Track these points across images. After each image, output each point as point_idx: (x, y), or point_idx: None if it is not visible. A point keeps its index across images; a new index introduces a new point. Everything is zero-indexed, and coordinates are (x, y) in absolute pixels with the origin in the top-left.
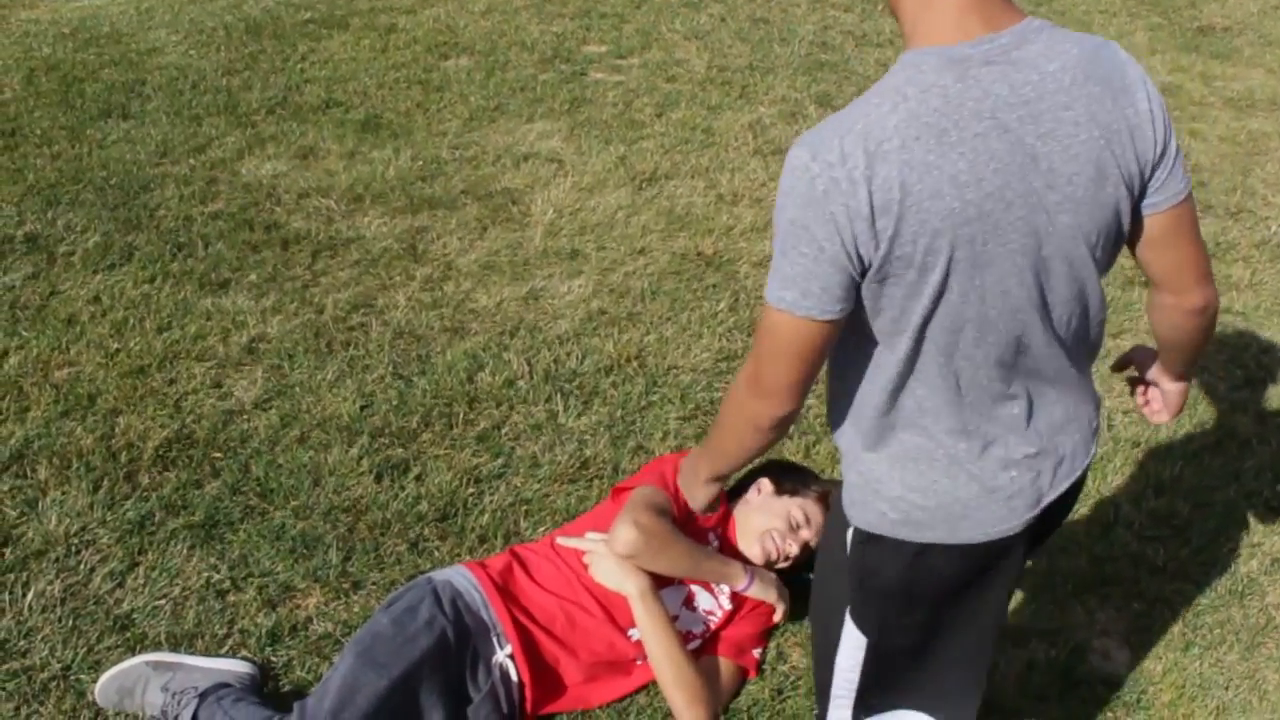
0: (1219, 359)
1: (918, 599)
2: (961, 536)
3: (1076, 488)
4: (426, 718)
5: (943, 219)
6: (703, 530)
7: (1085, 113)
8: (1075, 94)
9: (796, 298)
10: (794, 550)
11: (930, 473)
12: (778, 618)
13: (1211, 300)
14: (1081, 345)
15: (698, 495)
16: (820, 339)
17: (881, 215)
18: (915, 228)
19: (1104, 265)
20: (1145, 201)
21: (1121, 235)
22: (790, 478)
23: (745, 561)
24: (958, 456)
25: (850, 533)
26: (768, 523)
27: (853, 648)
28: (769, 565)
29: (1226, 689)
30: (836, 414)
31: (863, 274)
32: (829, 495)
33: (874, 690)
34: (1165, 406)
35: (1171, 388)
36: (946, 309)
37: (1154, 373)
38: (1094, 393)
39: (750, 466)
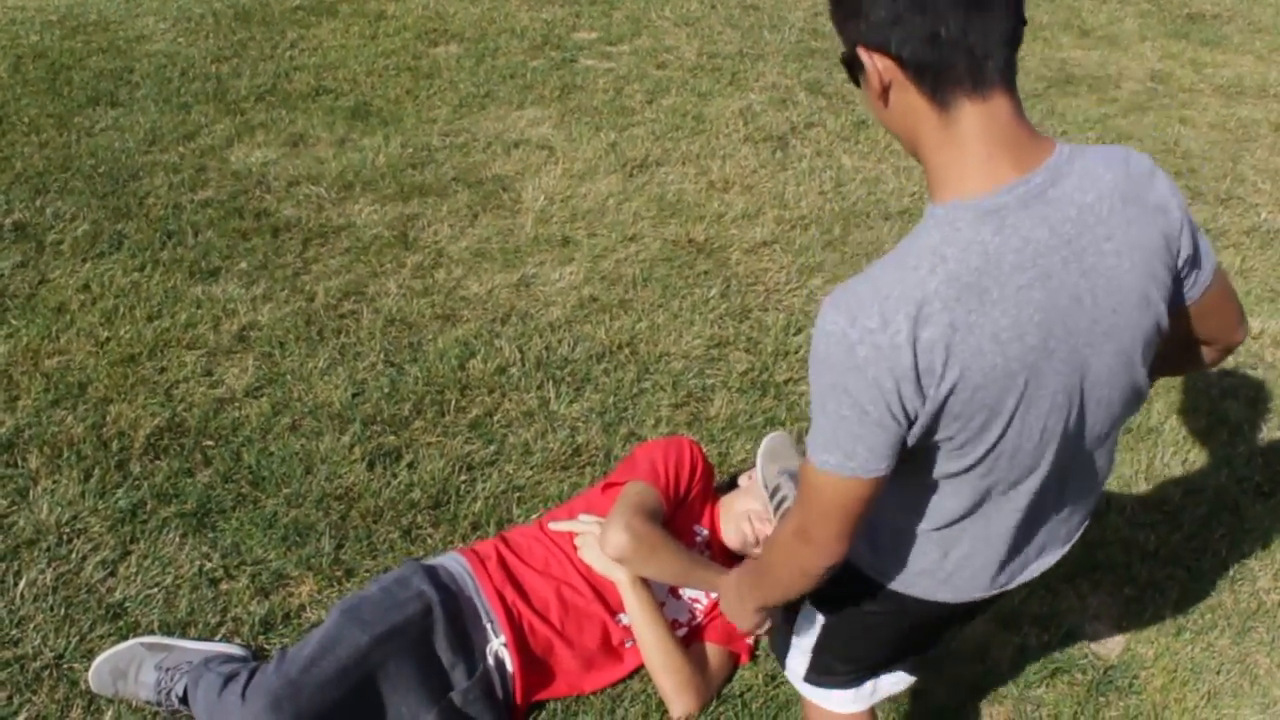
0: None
1: (880, 621)
2: (940, 596)
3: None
4: (405, 688)
5: (985, 375)
6: (691, 520)
7: (1125, 241)
8: (1114, 223)
9: (841, 460)
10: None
11: (921, 551)
12: (760, 632)
13: (1242, 339)
14: (1112, 441)
15: (744, 621)
16: (867, 494)
17: (926, 376)
18: (955, 383)
19: (1146, 374)
20: (1183, 296)
21: (1163, 335)
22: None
23: (731, 561)
24: (959, 543)
25: None
26: (747, 505)
27: (808, 619)
28: (745, 549)
29: (1218, 673)
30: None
31: (909, 430)
32: None
33: (823, 660)
34: None
35: None
36: (982, 452)
37: None
38: (1112, 465)
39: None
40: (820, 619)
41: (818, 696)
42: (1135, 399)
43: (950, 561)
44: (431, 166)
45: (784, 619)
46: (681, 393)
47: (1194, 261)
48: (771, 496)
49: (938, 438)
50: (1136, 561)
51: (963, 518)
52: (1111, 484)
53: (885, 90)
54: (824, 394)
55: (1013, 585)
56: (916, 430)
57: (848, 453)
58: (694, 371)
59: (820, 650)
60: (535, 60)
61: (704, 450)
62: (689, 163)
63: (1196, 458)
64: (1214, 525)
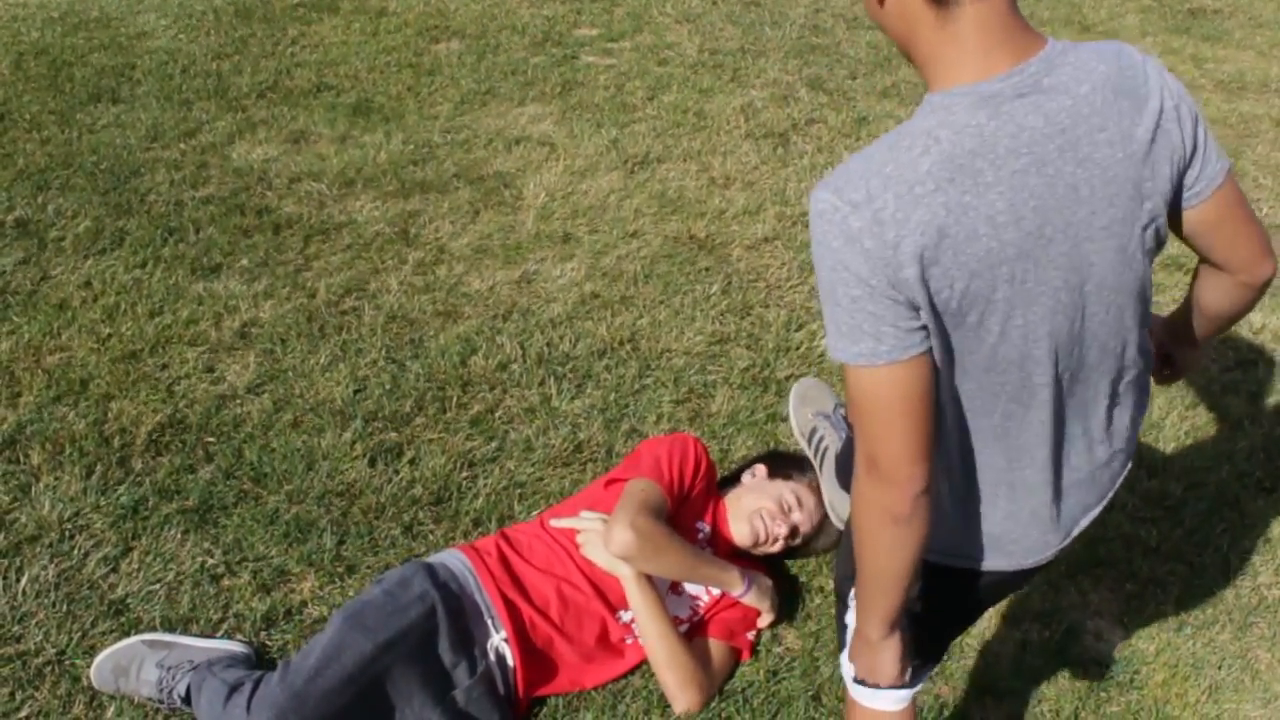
0: (1210, 340)
1: (937, 605)
2: (991, 565)
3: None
4: (409, 691)
5: (980, 260)
6: (693, 516)
7: (1118, 132)
8: (1107, 114)
9: (872, 346)
10: (782, 532)
11: (968, 510)
12: (764, 623)
13: (1274, 272)
14: (1135, 359)
15: (886, 662)
16: (917, 384)
17: (914, 261)
18: (951, 271)
19: (1149, 270)
20: (1185, 195)
21: (1163, 237)
22: (785, 464)
23: (741, 565)
24: (996, 497)
25: None
26: (758, 503)
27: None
28: (755, 547)
29: (1219, 668)
30: None
31: (935, 318)
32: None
33: None
34: (1178, 369)
35: (1191, 352)
36: (985, 351)
37: (1165, 335)
38: (1143, 405)
39: (745, 458)
40: None
41: (865, 698)
42: (1143, 307)
43: (998, 513)
44: (433, 163)
45: (837, 612)
46: (683, 389)
47: (1198, 159)
48: (809, 441)
49: (936, 336)
50: (1138, 557)
51: (989, 454)
52: None
53: None
54: (831, 281)
55: (1066, 542)
56: (931, 315)
57: (876, 336)
58: (695, 368)
59: None
60: (536, 57)
61: (706, 447)
62: (690, 159)
63: (1198, 453)
64: (1215, 521)
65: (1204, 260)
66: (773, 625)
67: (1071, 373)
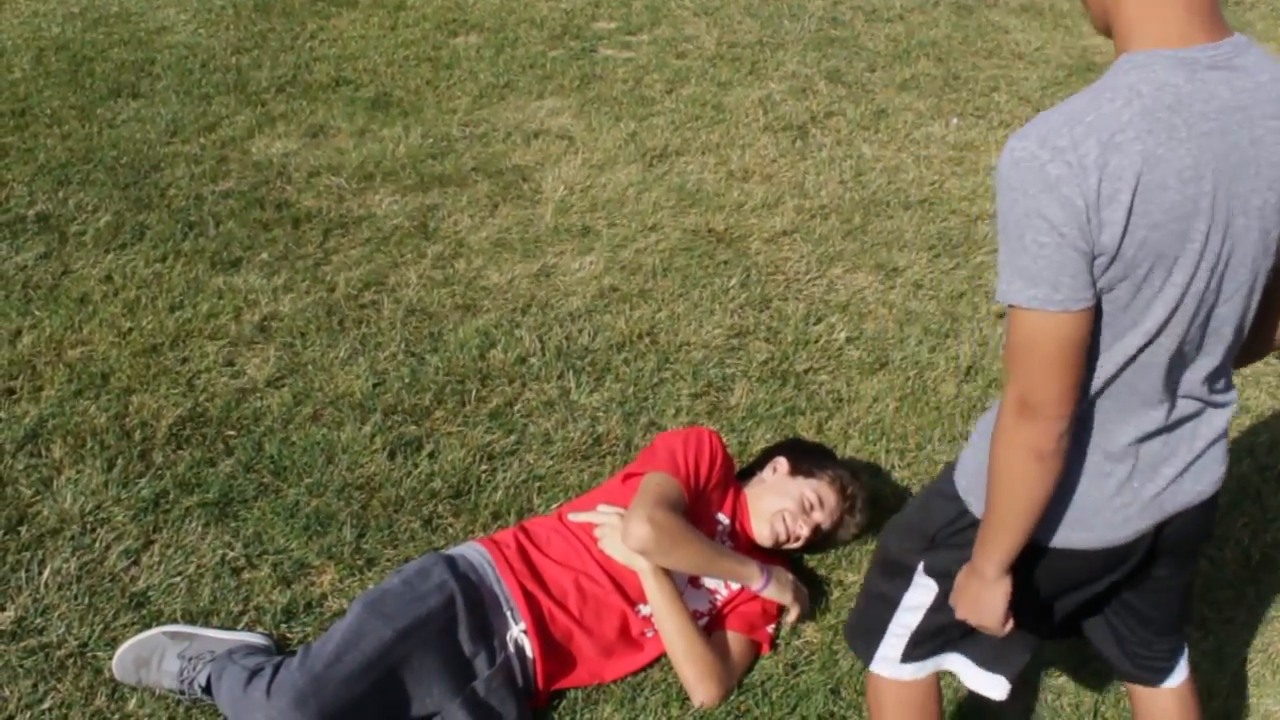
0: None
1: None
2: (1075, 543)
3: (1208, 505)
4: (428, 680)
5: (1165, 212)
6: (713, 509)
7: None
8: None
9: (1048, 292)
10: (804, 532)
11: (1072, 481)
12: (791, 618)
13: None
14: (1231, 354)
15: (993, 606)
16: (1080, 334)
17: (1109, 205)
18: (1139, 220)
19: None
20: None
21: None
22: (807, 459)
23: (760, 559)
24: (1109, 469)
25: (958, 512)
26: (780, 504)
27: (922, 590)
28: (777, 546)
29: (1241, 662)
30: None
31: (1109, 266)
32: (847, 484)
33: (928, 635)
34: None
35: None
36: (1140, 306)
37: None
38: (1230, 407)
39: (766, 446)
40: (934, 588)
41: (913, 673)
42: (1265, 289)
43: (1116, 482)
44: (451, 157)
45: (876, 601)
46: (701, 382)
47: None
48: None
49: (1109, 284)
50: None
51: (1122, 417)
52: None
53: None
54: (1019, 225)
55: (1164, 515)
56: (1099, 269)
57: (1054, 284)
58: (714, 361)
59: (924, 629)
60: (555, 50)
61: (723, 440)
62: (709, 152)
63: None
64: (1236, 514)
65: None
66: (799, 620)
67: (1194, 345)
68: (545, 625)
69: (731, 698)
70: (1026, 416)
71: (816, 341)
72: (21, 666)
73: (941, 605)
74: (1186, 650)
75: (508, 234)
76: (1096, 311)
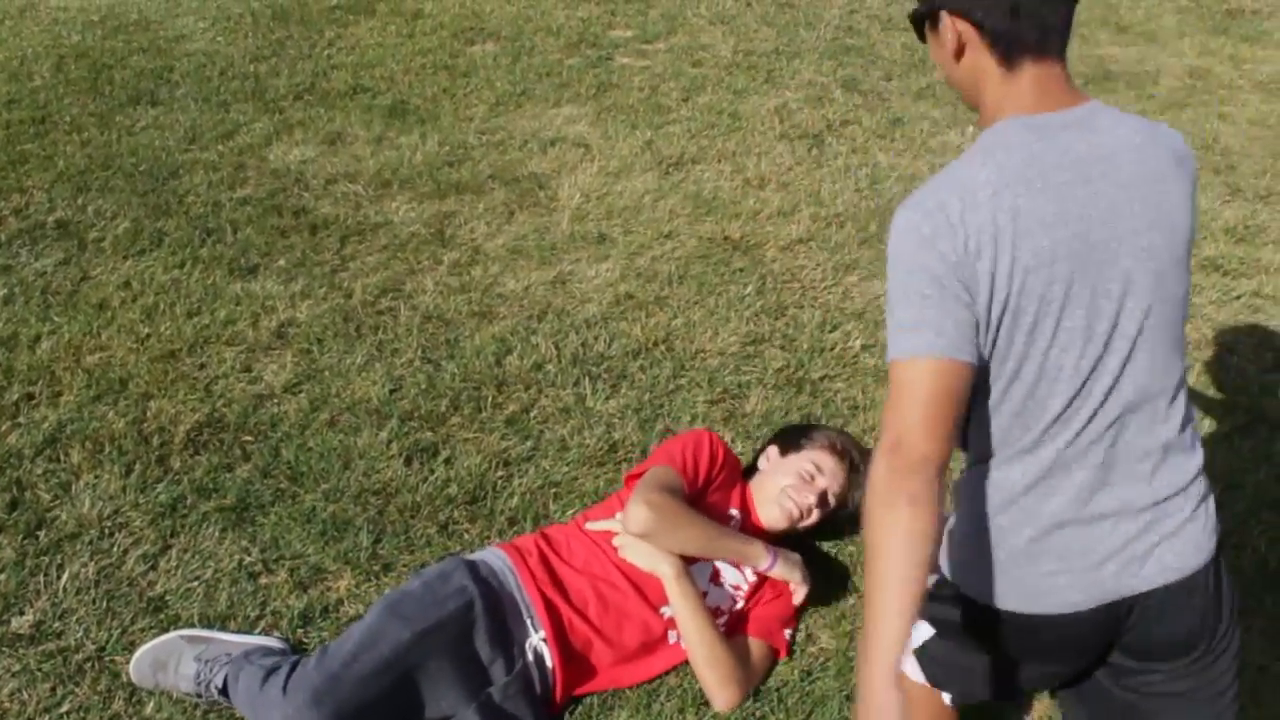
0: (1249, 342)
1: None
2: (1037, 608)
3: (1198, 591)
4: (444, 684)
5: (1033, 256)
6: (724, 509)
7: (1157, 170)
8: (1147, 153)
9: (932, 339)
10: (812, 500)
11: (1029, 545)
12: (798, 599)
13: None
14: (1176, 408)
15: (886, 709)
16: (960, 384)
17: (977, 258)
18: (1009, 266)
19: (1183, 322)
20: None
21: (1187, 295)
22: (792, 437)
23: (768, 541)
24: (1047, 527)
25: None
26: (780, 482)
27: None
28: (793, 526)
29: (1257, 670)
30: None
31: (991, 319)
32: (837, 442)
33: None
34: None
35: None
36: (1038, 357)
37: None
38: (1194, 466)
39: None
40: (928, 630)
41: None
42: (1179, 360)
43: (1043, 547)
44: (468, 164)
45: None
46: (717, 389)
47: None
48: None
49: (994, 338)
50: None
51: (1036, 472)
52: None
53: (960, 50)
54: (904, 283)
55: (1126, 589)
56: (984, 323)
57: (937, 329)
58: (729, 368)
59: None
60: (571, 58)
61: (723, 440)
62: (725, 160)
63: (1235, 454)
64: (1253, 523)
65: None
66: (809, 619)
67: (1112, 398)
68: (565, 633)
69: (747, 704)
70: (900, 458)
71: (832, 349)
72: (40, 670)
73: (943, 648)
74: None
75: (524, 241)
76: (987, 372)
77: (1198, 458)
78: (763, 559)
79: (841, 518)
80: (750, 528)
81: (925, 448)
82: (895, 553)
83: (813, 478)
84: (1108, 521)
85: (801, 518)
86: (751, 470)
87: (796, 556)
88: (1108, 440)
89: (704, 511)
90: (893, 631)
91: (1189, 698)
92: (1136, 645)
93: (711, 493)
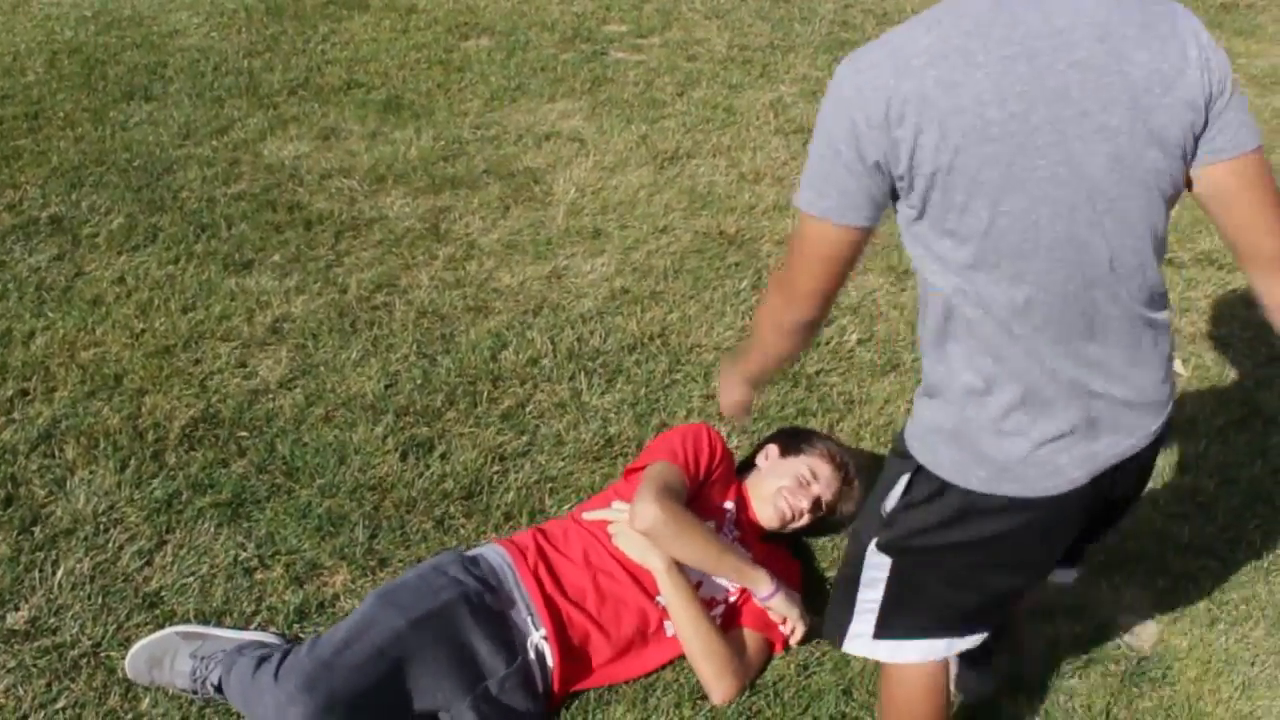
0: (1244, 336)
1: (950, 545)
2: (1004, 489)
3: (1141, 463)
4: (439, 673)
5: (964, 135)
6: (718, 499)
7: (1118, 48)
8: (1112, 28)
9: (813, 198)
10: (805, 505)
11: (981, 426)
12: (795, 640)
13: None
14: (1150, 298)
15: (729, 393)
16: (839, 247)
17: (897, 125)
18: (935, 141)
19: (1164, 210)
20: (1203, 149)
21: (1175, 183)
22: (794, 440)
23: (757, 538)
24: (1010, 414)
25: (909, 478)
26: (777, 483)
27: (876, 568)
28: (784, 526)
29: (1252, 664)
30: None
31: (885, 183)
32: (836, 453)
33: (897, 610)
34: None
35: None
36: (977, 240)
37: None
38: (1164, 354)
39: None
40: (887, 563)
41: (890, 653)
42: (1156, 243)
43: (1006, 425)
44: (463, 159)
45: (841, 584)
46: (713, 384)
47: (1221, 115)
48: None
49: (923, 208)
50: (1170, 553)
51: (988, 351)
52: None
53: None
54: (817, 135)
55: (1084, 477)
56: (897, 187)
57: (820, 191)
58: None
59: (890, 603)
60: (566, 53)
61: (721, 434)
62: (720, 155)
63: (1230, 449)
64: (1248, 516)
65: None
66: (803, 641)
67: (1081, 285)
68: (564, 628)
69: (743, 698)
70: (780, 293)
71: (828, 344)
72: (35, 666)
73: (902, 579)
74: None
75: (519, 236)
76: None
77: (1163, 321)
78: (764, 586)
79: (830, 522)
80: (744, 521)
81: (804, 300)
82: (767, 345)
83: (808, 483)
84: (1088, 411)
85: (793, 519)
86: (748, 465)
87: (797, 595)
88: (1074, 348)
89: (700, 504)
90: (760, 362)
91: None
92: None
93: (709, 486)
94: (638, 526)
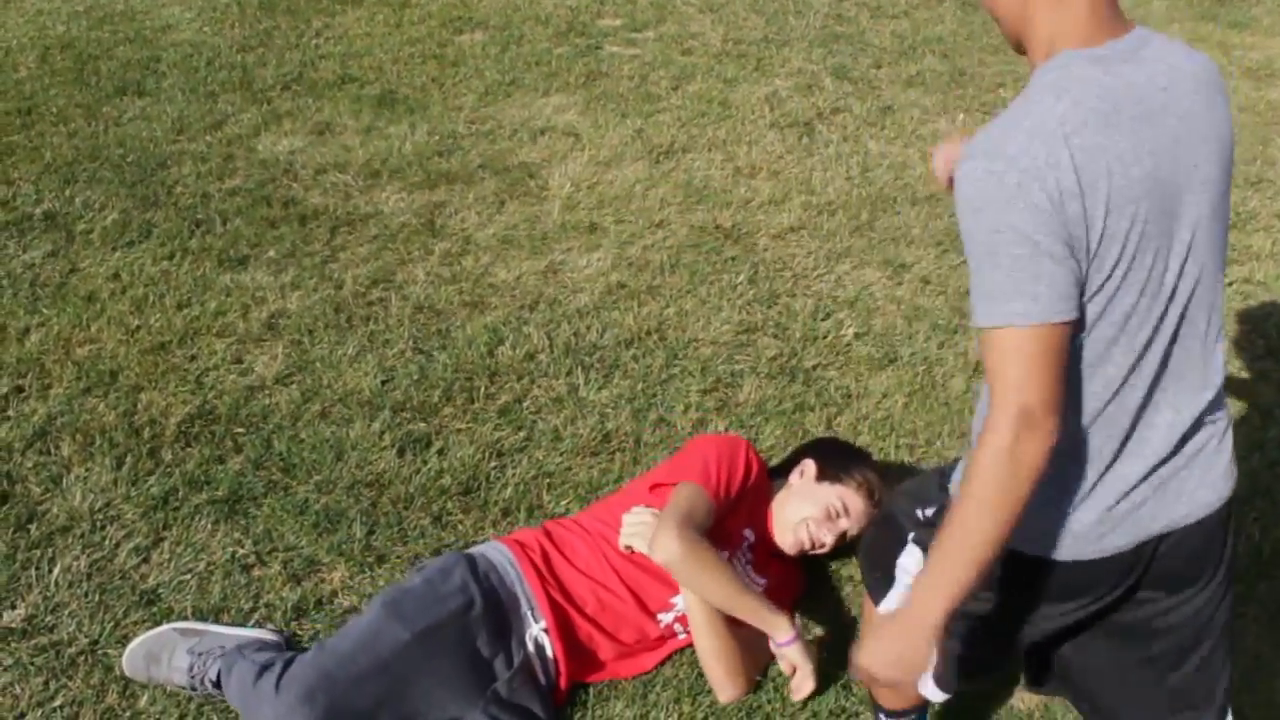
0: (1241, 329)
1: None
2: (1064, 554)
3: (1215, 526)
4: (447, 685)
5: (1113, 196)
6: (739, 524)
7: (1206, 100)
8: (1198, 82)
9: (1026, 306)
10: (828, 540)
11: (1064, 488)
12: (800, 694)
13: None
14: (1215, 340)
15: (917, 654)
16: (1060, 345)
17: (1070, 197)
18: (1093, 210)
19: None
20: None
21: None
22: (835, 462)
23: (782, 570)
24: (1086, 472)
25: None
26: (804, 511)
27: (912, 557)
28: (801, 555)
29: (1253, 658)
30: None
31: (1078, 264)
32: (874, 488)
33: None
34: None
35: None
36: (1106, 296)
37: None
38: (1224, 405)
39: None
40: (921, 558)
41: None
42: (1218, 283)
43: (1083, 494)
44: (458, 154)
45: (879, 551)
46: (710, 379)
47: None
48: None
49: (1089, 282)
50: None
51: (1100, 415)
52: None
53: None
54: (989, 241)
55: (1160, 526)
56: (1083, 264)
57: (1031, 295)
58: (722, 357)
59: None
60: (560, 47)
61: (759, 453)
62: (715, 149)
63: None
64: (1247, 510)
65: None
66: (806, 610)
67: (1183, 331)
68: (567, 623)
69: (746, 696)
70: (1029, 427)
71: (825, 337)
72: (32, 664)
73: None
74: None
75: (515, 231)
76: (1081, 325)
77: (1220, 384)
78: (783, 632)
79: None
80: (760, 542)
81: (1052, 417)
82: (1004, 519)
83: (837, 516)
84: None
85: (811, 550)
86: (781, 471)
87: (814, 649)
88: (1171, 375)
89: (718, 528)
90: (965, 584)
91: (1187, 627)
92: (1156, 576)
93: (735, 507)
94: (656, 558)
